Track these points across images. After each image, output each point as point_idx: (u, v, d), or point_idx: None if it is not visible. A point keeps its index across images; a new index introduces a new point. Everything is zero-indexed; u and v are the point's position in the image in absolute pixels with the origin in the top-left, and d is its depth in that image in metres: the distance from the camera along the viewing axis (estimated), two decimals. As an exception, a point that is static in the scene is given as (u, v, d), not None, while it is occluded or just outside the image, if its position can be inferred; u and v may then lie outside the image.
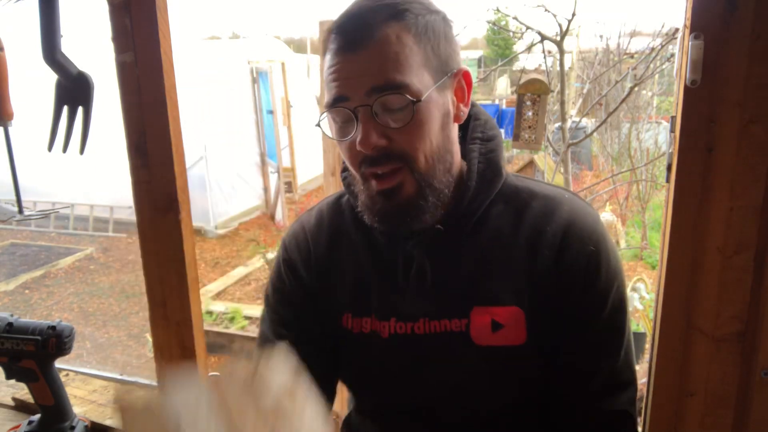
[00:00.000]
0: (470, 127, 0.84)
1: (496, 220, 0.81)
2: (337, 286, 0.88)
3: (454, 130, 0.80)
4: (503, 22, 3.64)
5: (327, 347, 0.88)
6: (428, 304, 0.81)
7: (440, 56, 0.75)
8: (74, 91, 1.11)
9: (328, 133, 0.78)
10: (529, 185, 0.84)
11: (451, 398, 0.84)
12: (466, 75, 0.79)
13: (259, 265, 6.21)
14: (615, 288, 0.81)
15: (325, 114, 0.77)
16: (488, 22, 3.02)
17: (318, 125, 0.78)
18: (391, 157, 0.74)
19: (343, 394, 1.04)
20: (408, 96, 0.71)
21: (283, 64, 7.78)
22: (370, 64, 0.71)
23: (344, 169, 0.88)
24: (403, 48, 0.71)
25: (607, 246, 0.81)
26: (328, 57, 0.75)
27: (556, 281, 0.78)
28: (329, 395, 0.92)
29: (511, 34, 3.40)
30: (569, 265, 0.78)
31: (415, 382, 0.84)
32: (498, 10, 2.84)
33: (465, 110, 0.80)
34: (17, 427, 1.16)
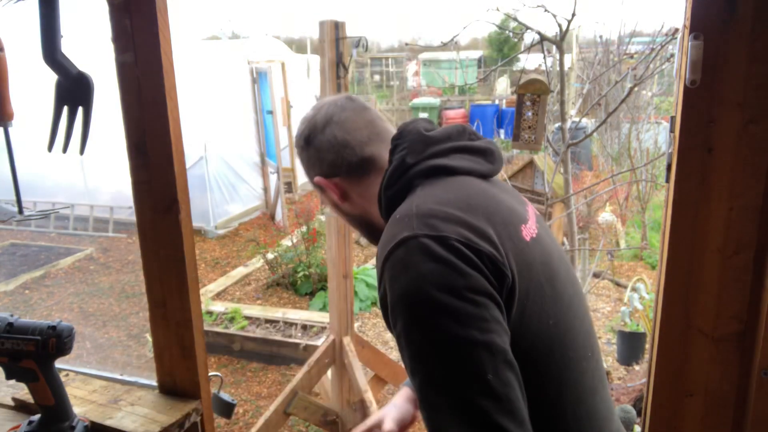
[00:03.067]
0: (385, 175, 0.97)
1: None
2: None
3: (347, 205, 1.04)
4: (507, 23, 3.65)
5: None
6: None
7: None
8: (74, 91, 1.11)
9: None
10: (395, 214, 0.86)
11: None
12: (320, 182, 1.03)
13: (259, 265, 6.21)
14: (398, 314, 0.75)
15: None
16: (494, 24, 3.02)
17: None
18: None
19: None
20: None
21: (283, 64, 7.78)
22: None
23: None
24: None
25: (394, 265, 0.76)
26: None
27: None
28: None
29: (511, 34, 3.40)
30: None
31: None
32: (498, 9, 2.84)
33: (343, 198, 1.03)
34: (17, 427, 1.16)
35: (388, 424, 1.07)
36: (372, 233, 1.02)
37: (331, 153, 0.99)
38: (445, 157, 0.92)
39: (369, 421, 1.10)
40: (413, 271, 0.74)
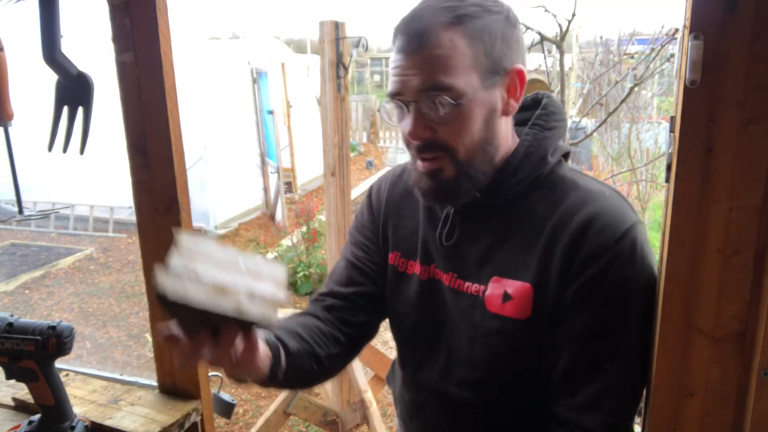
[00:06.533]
0: (535, 115, 0.91)
1: (534, 202, 0.87)
2: (397, 228, 1.03)
3: (502, 123, 0.86)
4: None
5: (383, 271, 1.04)
6: (458, 261, 0.92)
7: (493, 57, 0.81)
8: (74, 91, 1.11)
9: (388, 117, 0.88)
10: (576, 178, 0.89)
11: (463, 349, 0.91)
12: (520, 73, 0.84)
13: (259, 265, 6.20)
14: (631, 298, 0.81)
15: (385, 101, 0.88)
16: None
17: (378, 110, 0.93)
18: (434, 147, 0.83)
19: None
20: (451, 97, 0.79)
21: (282, 64, 7.79)
22: (423, 65, 0.79)
23: None
24: (455, 52, 0.78)
25: (635, 250, 0.81)
26: (393, 52, 0.84)
27: (568, 267, 0.81)
28: (384, 311, 1.05)
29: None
30: (585, 255, 0.80)
31: (436, 324, 0.95)
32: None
33: (515, 105, 0.86)
34: (17, 427, 1.16)
35: None
36: (473, 174, 0.85)
37: (524, 54, 0.87)
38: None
39: None
40: (651, 259, 0.84)
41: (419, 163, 0.86)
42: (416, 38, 0.79)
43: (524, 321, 0.84)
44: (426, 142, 0.83)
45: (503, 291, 0.85)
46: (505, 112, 0.86)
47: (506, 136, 0.88)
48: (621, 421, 0.82)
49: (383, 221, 1.04)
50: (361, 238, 1.06)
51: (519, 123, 0.93)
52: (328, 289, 1.05)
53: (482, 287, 0.88)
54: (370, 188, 1.10)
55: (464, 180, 0.85)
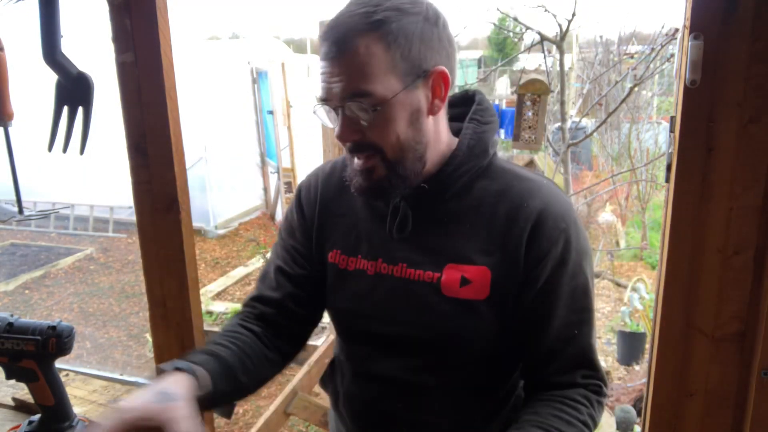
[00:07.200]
0: (472, 110, 0.95)
1: (480, 191, 0.93)
2: (334, 226, 1.03)
3: (430, 122, 0.89)
4: (506, 23, 3.65)
5: (317, 274, 1.03)
6: (408, 252, 0.94)
7: (410, 59, 0.83)
8: (74, 91, 1.11)
9: (323, 119, 0.91)
10: (515, 169, 0.97)
11: (419, 337, 0.95)
12: (443, 74, 0.86)
13: (259, 265, 6.21)
14: (584, 267, 0.91)
15: (316, 105, 0.90)
16: (493, 24, 3.02)
17: (315, 113, 0.92)
18: (363, 147, 0.87)
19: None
20: (371, 102, 0.83)
21: (282, 64, 7.78)
22: (342, 73, 0.83)
23: None
24: (370, 58, 0.82)
25: (578, 228, 0.92)
26: (319, 58, 0.87)
27: (528, 251, 0.88)
28: (316, 316, 1.07)
29: (511, 34, 3.40)
30: (544, 239, 0.88)
31: (390, 317, 0.97)
32: (498, 10, 2.84)
33: (441, 104, 0.89)
34: (17, 427, 1.16)
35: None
36: (403, 172, 0.88)
37: (450, 51, 0.88)
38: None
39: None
40: (586, 235, 0.94)
41: (354, 160, 0.90)
42: (335, 46, 0.83)
43: (483, 301, 0.90)
44: (356, 143, 0.87)
45: (460, 276, 0.90)
46: (431, 112, 0.88)
47: (439, 132, 0.92)
48: (595, 368, 0.92)
49: (319, 222, 1.04)
50: (292, 242, 1.06)
51: (453, 118, 0.97)
52: (259, 293, 1.05)
53: (437, 274, 0.92)
54: (298, 189, 1.09)
55: (395, 178, 0.89)
